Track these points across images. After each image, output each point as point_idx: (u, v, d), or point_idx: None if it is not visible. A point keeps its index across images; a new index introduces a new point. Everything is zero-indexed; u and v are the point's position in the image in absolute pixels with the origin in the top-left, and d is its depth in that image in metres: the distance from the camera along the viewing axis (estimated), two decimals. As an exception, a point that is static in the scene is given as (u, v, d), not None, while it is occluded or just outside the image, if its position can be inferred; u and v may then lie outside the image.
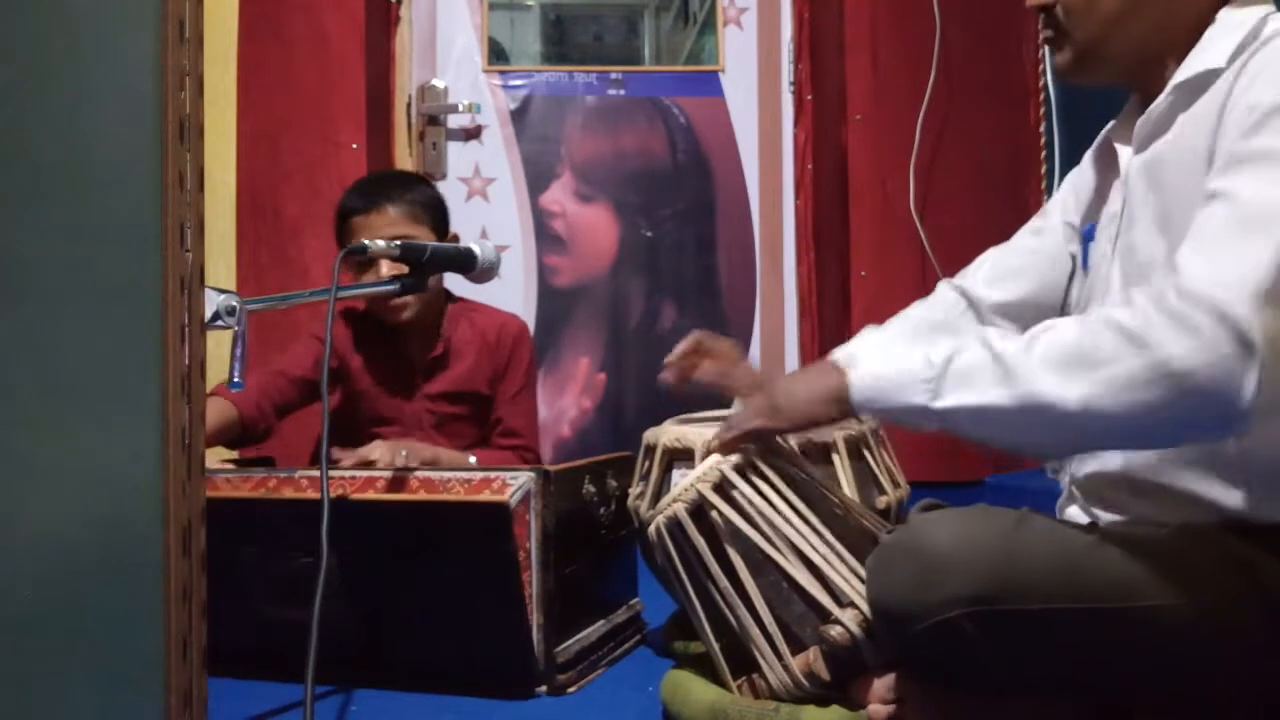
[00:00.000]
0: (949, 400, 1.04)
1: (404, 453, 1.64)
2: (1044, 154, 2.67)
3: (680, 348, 1.42)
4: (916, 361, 1.08)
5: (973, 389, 1.03)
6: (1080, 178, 1.33)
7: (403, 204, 1.92)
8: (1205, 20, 1.12)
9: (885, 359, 1.13)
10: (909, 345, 1.40)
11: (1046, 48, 1.23)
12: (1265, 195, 0.95)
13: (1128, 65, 1.18)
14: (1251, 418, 0.92)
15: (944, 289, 1.46)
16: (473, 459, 1.84)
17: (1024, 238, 1.40)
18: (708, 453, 1.29)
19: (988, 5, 2.75)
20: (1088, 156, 1.32)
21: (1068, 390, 0.96)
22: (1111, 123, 1.26)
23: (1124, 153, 1.19)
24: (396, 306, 1.90)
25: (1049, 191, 2.63)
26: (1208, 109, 1.06)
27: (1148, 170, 1.13)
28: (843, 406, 1.16)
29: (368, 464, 1.62)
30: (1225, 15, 1.12)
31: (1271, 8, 1.11)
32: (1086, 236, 1.26)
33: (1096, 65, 1.18)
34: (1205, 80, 1.08)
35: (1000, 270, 1.39)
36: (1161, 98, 1.12)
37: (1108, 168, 1.24)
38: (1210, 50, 1.09)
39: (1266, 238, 0.93)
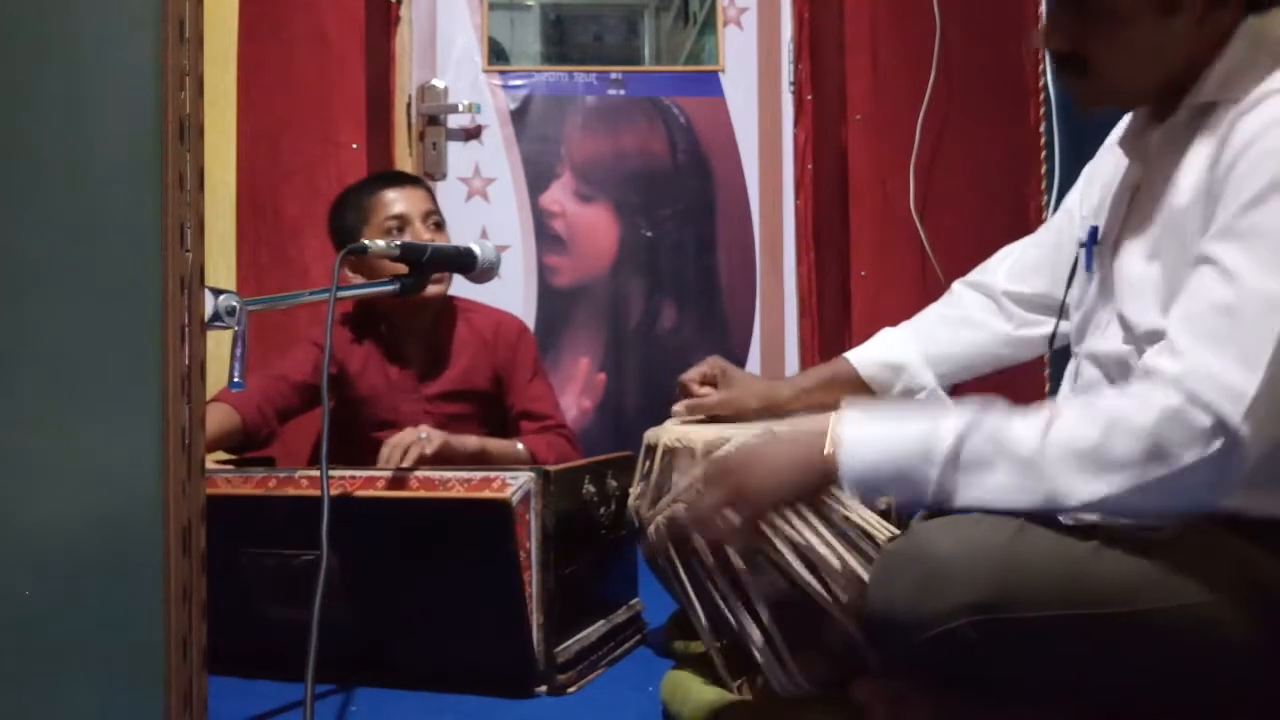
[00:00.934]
0: (962, 495, 1.03)
1: (424, 433, 1.64)
2: (1044, 154, 2.67)
3: (696, 370, 1.43)
4: (913, 453, 1.03)
5: (990, 485, 1.02)
6: (1096, 168, 1.33)
7: (426, 189, 2.02)
8: (1228, 37, 1.09)
9: (875, 442, 1.06)
10: (921, 348, 1.42)
11: (1062, 80, 1.20)
12: (1261, 286, 0.96)
13: (1154, 95, 1.15)
14: None
15: (960, 288, 1.48)
16: (520, 446, 1.85)
17: (1044, 233, 1.43)
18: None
19: (988, 5, 2.74)
20: (1104, 149, 1.31)
21: (1090, 490, 0.99)
22: (1124, 123, 1.25)
23: (1134, 160, 1.19)
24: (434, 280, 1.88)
25: (1049, 191, 2.63)
26: (1212, 141, 1.05)
27: (1152, 188, 1.13)
28: (830, 482, 1.08)
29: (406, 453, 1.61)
30: (1245, 31, 1.08)
31: None
32: (1090, 238, 1.26)
33: (1124, 100, 1.17)
34: (1216, 108, 1.06)
35: (1021, 266, 1.43)
36: (1175, 118, 1.11)
37: (1117, 171, 1.23)
38: (1224, 73, 1.07)
39: (1264, 341, 0.95)
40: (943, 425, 1.03)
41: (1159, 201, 1.10)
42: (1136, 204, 1.15)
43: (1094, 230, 1.25)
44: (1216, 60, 1.08)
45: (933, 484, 1.02)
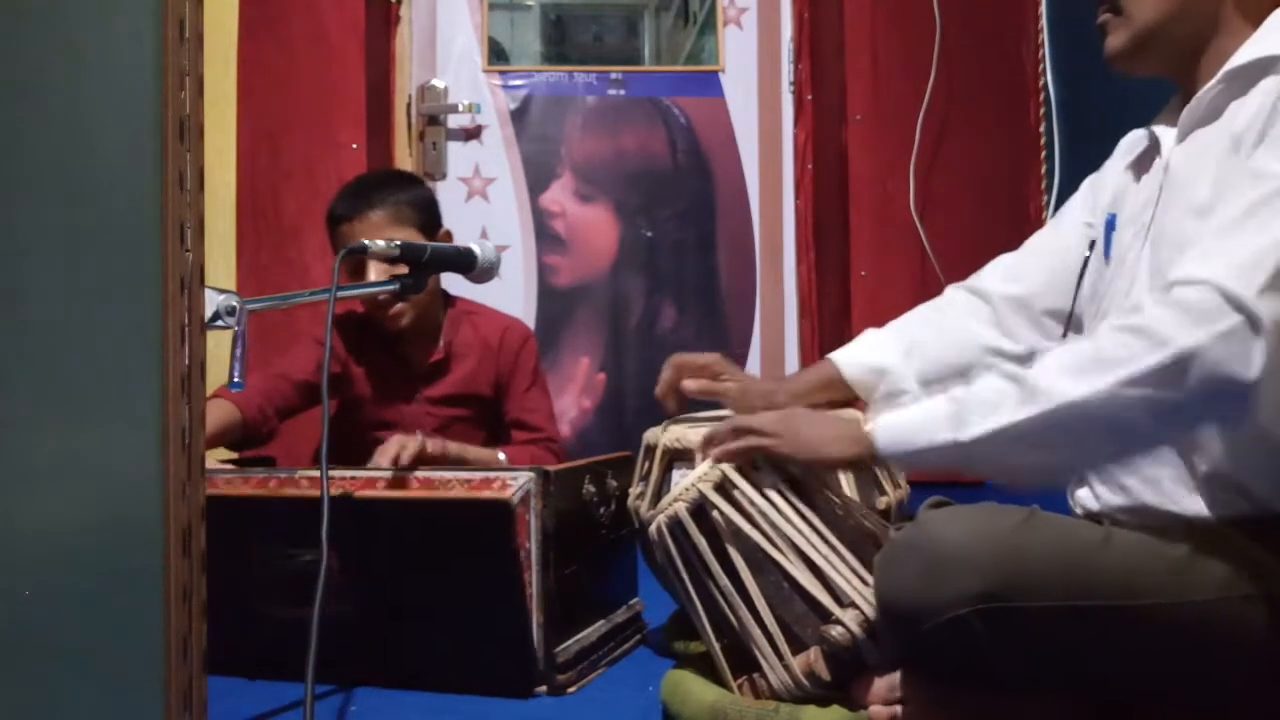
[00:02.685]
0: (974, 429, 1.04)
1: (419, 435, 1.63)
2: (1044, 154, 2.67)
3: (663, 376, 1.45)
4: (938, 402, 1.09)
5: (997, 413, 1.03)
6: (1101, 177, 1.32)
7: (386, 207, 1.90)
8: (1265, 14, 1.11)
9: (906, 412, 1.15)
10: (904, 352, 1.42)
11: (1101, 30, 1.19)
12: None
13: (1180, 54, 1.16)
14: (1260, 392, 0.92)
15: (951, 291, 1.47)
16: (502, 455, 1.85)
17: (1039, 238, 1.42)
18: (705, 453, 1.29)
19: (988, 5, 2.75)
20: (1112, 157, 1.31)
21: (1090, 390, 0.97)
22: (1131, 137, 1.25)
23: (1166, 138, 1.17)
24: (395, 315, 1.89)
25: (1049, 191, 2.63)
26: (1262, 94, 1.04)
27: (1190, 157, 1.12)
28: (867, 449, 1.16)
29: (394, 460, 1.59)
30: None
31: None
32: (1108, 226, 1.25)
33: (1150, 51, 1.16)
34: (1261, 66, 1.06)
35: (1014, 270, 1.41)
36: (1211, 84, 1.10)
37: (1142, 158, 1.23)
38: (1269, 39, 1.08)
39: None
40: (956, 385, 1.10)
41: (1201, 162, 1.09)
42: (1171, 176, 1.14)
43: (1112, 218, 1.24)
44: (1256, 34, 1.09)
45: (951, 422, 1.06)
